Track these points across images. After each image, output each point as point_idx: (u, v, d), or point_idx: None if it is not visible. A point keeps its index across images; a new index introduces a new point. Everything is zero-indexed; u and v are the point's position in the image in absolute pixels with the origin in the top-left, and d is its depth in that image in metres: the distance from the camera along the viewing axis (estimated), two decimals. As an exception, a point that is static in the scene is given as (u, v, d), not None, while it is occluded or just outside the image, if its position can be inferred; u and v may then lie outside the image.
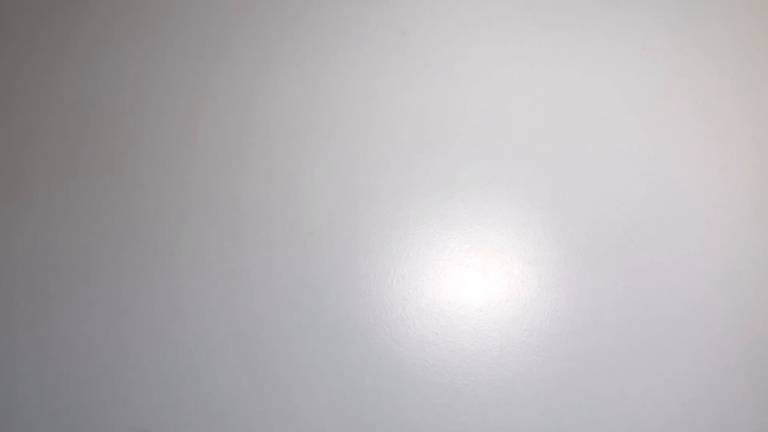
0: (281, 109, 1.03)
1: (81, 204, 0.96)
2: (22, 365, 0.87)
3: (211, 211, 0.96)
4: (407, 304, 0.92)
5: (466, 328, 0.97)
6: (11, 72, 1.05)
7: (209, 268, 0.92)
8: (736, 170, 1.04)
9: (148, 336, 0.88)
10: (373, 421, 0.84)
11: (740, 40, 1.07)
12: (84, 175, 0.98)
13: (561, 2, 1.08)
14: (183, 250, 0.93)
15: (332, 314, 0.88)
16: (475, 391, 0.89)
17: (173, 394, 0.85)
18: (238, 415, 0.85)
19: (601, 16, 1.08)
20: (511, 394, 0.91)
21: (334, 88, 1.03)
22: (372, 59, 1.05)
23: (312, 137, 1.02)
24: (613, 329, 1.00)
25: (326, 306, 0.89)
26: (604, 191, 1.02)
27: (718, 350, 1.01)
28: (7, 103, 1.02)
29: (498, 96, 1.02)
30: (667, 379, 0.99)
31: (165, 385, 0.85)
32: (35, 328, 0.89)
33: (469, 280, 0.99)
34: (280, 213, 0.96)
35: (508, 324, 0.98)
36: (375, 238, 0.93)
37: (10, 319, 0.90)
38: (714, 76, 1.05)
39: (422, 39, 1.07)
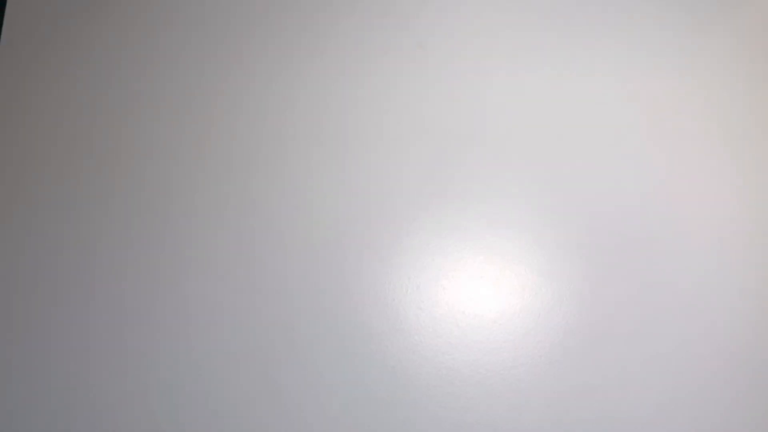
0: (298, 118, 1.04)
1: (88, 209, 0.96)
2: (24, 367, 0.87)
3: (225, 218, 0.97)
4: (422, 314, 0.93)
5: (479, 338, 0.97)
6: (17, 74, 1.05)
7: (221, 276, 0.92)
8: (751, 188, 1.05)
9: (156, 343, 0.88)
10: (385, 431, 0.85)
11: (749, 44, 1.08)
12: (91, 180, 0.98)
13: (578, 14, 1.09)
14: (195, 258, 0.93)
15: (346, 323, 0.89)
16: (487, 401, 0.90)
17: (181, 401, 0.85)
18: (250, 424, 0.86)
19: (617, 25, 1.09)
20: (523, 406, 0.91)
21: (350, 98, 1.05)
22: (388, 70, 1.06)
23: (327, 146, 1.03)
24: (626, 343, 1.00)
25: (340, 314, 0.90)
26: (619, 206, 1.03)
27: (730, 368, 1.01)
28: (12, 105, 1.02)
29: (514, 109, 1.04)
30: (678, 394, 0.99)
31: (173, 391, 0.85)
32: (39, 331, 0.88)
33: (483, 291, 1.00)
34: (294, 222, 0.97)
35: (521, 335, 0.99)
36: (390, 247, 0.94)
37: (13, 321, 0.89)
38: (726, 86, 1.06)
39: (439, 51, 1.08)
